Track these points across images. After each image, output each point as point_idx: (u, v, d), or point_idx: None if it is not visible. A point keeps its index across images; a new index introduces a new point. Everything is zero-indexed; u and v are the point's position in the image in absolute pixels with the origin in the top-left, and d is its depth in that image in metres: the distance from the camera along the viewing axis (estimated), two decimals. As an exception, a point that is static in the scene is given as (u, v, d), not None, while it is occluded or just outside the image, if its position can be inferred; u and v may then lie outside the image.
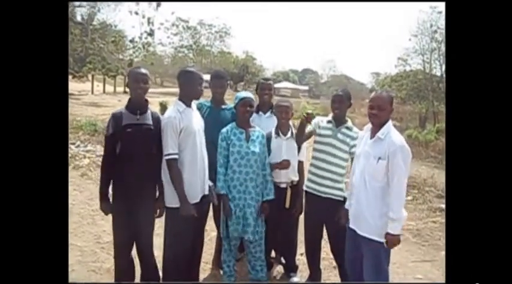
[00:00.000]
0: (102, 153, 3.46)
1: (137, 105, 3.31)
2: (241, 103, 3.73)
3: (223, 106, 4.08)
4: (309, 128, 3.87)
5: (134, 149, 3.26)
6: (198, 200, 3.45)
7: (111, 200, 3.33)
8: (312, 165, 3.92)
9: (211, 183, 3.67)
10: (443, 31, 24.93)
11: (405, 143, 3.00)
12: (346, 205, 3.38)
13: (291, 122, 4.19)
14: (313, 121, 3.85)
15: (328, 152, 3.78)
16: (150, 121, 3.34)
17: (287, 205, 3.96)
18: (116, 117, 3.25)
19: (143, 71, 3.34)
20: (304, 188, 3.97)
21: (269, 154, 3.91)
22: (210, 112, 3.91)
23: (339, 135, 3.78)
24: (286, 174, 3.95)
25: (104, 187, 3.33)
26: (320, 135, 3.85)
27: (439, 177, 9.03)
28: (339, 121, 3.83)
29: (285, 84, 61.14)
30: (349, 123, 3.87)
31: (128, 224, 3.32)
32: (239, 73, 55.94)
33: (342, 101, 3.80)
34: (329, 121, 3.87)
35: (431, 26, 26.86)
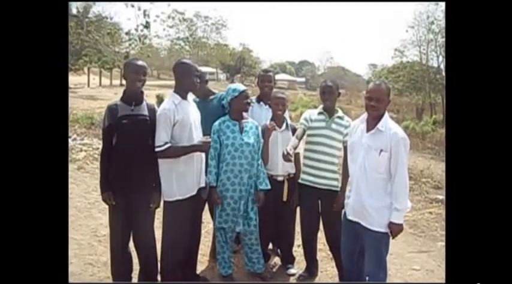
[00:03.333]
0: (98, 146, 3.44)
1: (133, 96, 3.31)
2: (242, 96, 3.70)
3: (211, 97, 4.06)
4: (299, 129, 3.86)
5: (131, 140, 3.25)
6: (194, 192, 3.44)
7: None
8: (306, 157, 3.89)
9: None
10: (440, 22, 24.92)
11: (405, 135, 3.01)
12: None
13: (287, 114, 4.19)
14: (303, 116, 3.92)
15: (324, 143, 3.77)
16: (146, 112, 3.34)
17: (285, 198, 3.95)
18: (111, 109, 3.26)
19: (141, 62, 3.33)
20: (300, 181, 3.96)
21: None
22: (198, 106, 3.76)
23: (333, 125, 3.78)
24: (283, 167, 3.93)
25: (103, 178, 3.34)
26: (313, 128, 3.83)
27: (436, 168, 9.08)
28: (330, 111, 3.82)
29: (282, 76, 61.01)
30: (340, 112, 3.87)
31: (126, 216, 3.32)
32: (236, 66, 55.72)
33: (331, 92, 3.79)
34: (320, 113, 3.85)
35: (428, 17, 26.87)
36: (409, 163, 8.30)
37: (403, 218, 3.05)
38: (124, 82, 3.41)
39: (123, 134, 3.24)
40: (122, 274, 3.51)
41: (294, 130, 3.97)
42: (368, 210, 3.04)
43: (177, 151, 3.28)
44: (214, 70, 59.12)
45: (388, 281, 3.33)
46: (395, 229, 3.00)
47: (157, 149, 3.25)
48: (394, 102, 27.80)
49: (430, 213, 6.43)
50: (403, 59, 30.21)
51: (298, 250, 4.36)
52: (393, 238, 3.06)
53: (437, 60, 27.58)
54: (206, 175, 3.64)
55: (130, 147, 3.25)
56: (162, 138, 3.24)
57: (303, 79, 67.41)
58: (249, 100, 3.77)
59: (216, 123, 3.72)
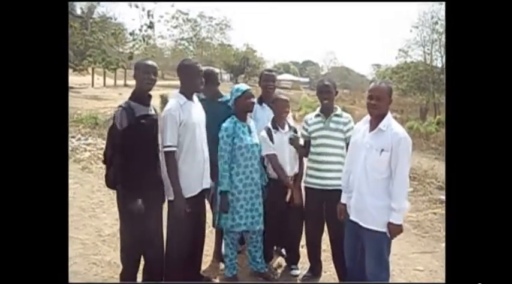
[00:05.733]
0: (103, 146, 3.43)
1: (145, 96, 3.32)
2: (246, 96, 3.70)
3: (219, 100, 4.06)
4: (302, 141, 3.91)
5: (149, 140, 3.28)
6: (195, 193, 3.45)
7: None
8: (310, 160, 3.90)
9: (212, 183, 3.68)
10: (444, 22, 24.84)
11: (407, 134, 3.01)
12: (343, 199, 3.38)
13: (290, 114, 4.18)
14: (302, 124, 3.95)
15: (325, 144, 3.78)
16: (154, 112, 3.38)
17: (287, 198, 3.93)
18: (128, 110, 3.18)
19: (151, 62, 3.34)
20: (304, 184, 3.96)
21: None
22: (205, 106, 3.74)
23: (331, 125, 3.78)
24: (291, 168, 3.94)
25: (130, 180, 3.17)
26: (312, 131, 3.84)
27: (440, 168, 9.02)
28: (327, 111, 3.83)
29: (285, 76, 60.96)
30: (338, 110, 3.87)
31: (141, 218, 3.22)
32: (240, 66, 55.73)
33: (329, 91, 3.81)
34: (317, 115, 3.86)
35: (432, 17, 26.82)
36: (413, 164, 8.21)
37: (406, 219, 3.03)
38: (128, 82, 3.42)
39: (142, 134, 3.21)
40: (131, 274, 3.48)
41: (295, 131, 3.99)
42: (369, 210, 3.05)
43: (172, 166, 3.29)
44: (218, 70, 59.03)
45: (391, 281, 3.33)
46: (393, 230, 3.00)
47: (165, 149, 3.28)
48: (398, 102, 27.74)
49: (434, 213, 6.41)
50: (407, 59, 30.18)
51: (302, 251, 4.36)
52: (391, 238, 3.05)
53: (441, 60, 27.52)
54: (213, 177, 3.67)
55: (148, 146, 3.27)
56: (170, 139, 3.27)
57: (307, 80, 67.24)
58: (253, 100, 3.77)
59: (228, 125, 3.66)
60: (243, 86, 3.78)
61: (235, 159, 3.68)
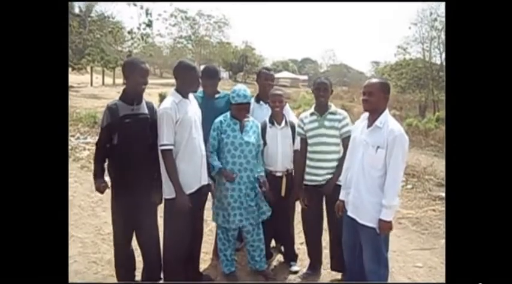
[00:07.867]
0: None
1: (134, 96, 3.31)
2: (240, 108, 3.69)
3: (216, 96, 4.07)
4: (299, 139, 3.92)
5: (133, 139, 3.27)
6: (193, 190, 3.44)
7: (109, 192, 3.35)
8: (308, 158, 3.90)
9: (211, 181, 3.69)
10: (443, 19, 24.83)
11: (403, 132, 3.00)
12: (341, 195, 3.40)
13: (291, 112, 4.18)
14: (297, 123, 3.97)
15: (320, 142, 3.78)
16: (146, 111, 3.36)
17: (283, 193, 3.98)
18: (111, 109, 3.24)
19: (146, 66, 3.34)
20: (304, 182, 3.96)
21: (265, 144, 3.92)
22: (203, 103, 3.82)
23: (326, 123, 3.78)
24: (282, 163, 3.97)
25: (98, 172, 3.36)
26: (308, 130, 3.84)
27: (439, 165, 9.03)
28: (322, 109, 3.83)
29: (284, 74, 60.97)
30: (332, 108, 3.87)
31: (128, 216, 3.34)
32: (238, 64, 55.77)
33: (326, 89, 3.81)
34: (312, 114, 3.86)
35: (431, 14, 26.81)
36: (412, 161, 8.20)
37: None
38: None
39: (126, 133, 3.24)
40: (125, 271, 3.53)
41: (292, 128, 3.99)
42: (366, 206, 3.06)
43: (170, 165, 3.30)
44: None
45: (390, 278, 3.33)
46: (383, 226, 3.01)
47: (162, 147, 3.28)
48: (397, 99, 27.74)
49: (433, 210, 6.41)
50: (406, 56, 30.13)
51: (301, 248, 4.37)
52: (381, 235, 3.06)
53: (440, 57, 27.52)
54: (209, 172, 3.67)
55: (133, 145, 3.27)
56: (167, 137, 3.27)
57: (306, 77, 67.17)
58: (244, 113, 3.76)
59: (218, 120, 3.72)
60: (245, 97, 3.69)
61: (223, 155, 3.70)
